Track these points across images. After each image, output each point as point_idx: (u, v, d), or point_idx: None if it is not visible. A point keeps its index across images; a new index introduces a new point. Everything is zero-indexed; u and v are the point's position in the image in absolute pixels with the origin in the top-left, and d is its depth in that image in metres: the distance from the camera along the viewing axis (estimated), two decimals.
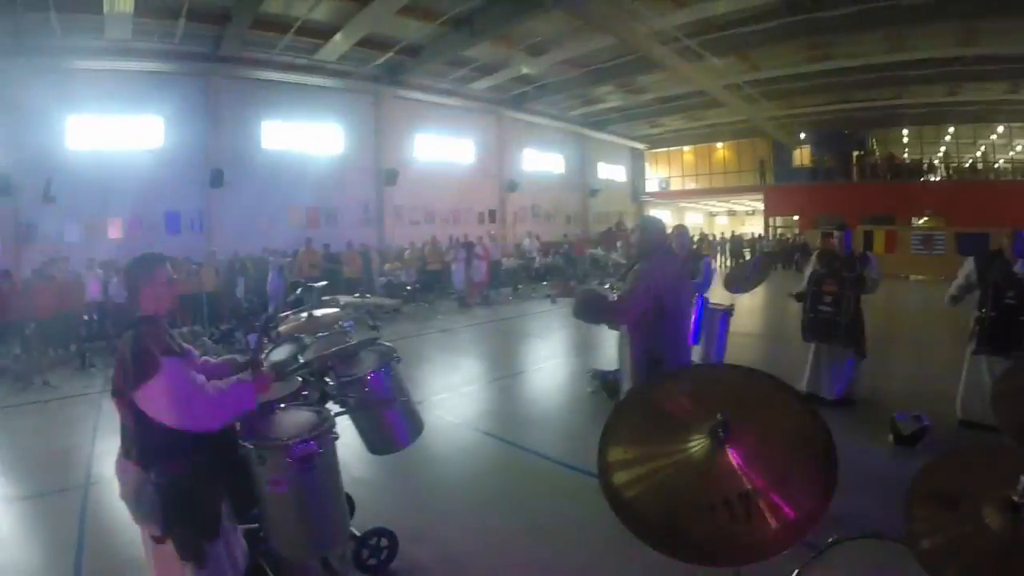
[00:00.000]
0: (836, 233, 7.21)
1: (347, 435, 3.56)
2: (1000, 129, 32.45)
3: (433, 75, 21.79)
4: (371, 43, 17.99)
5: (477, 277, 17.49)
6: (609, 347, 9.88)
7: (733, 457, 1.65)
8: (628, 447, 1.80)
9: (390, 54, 19.05)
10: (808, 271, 7.22)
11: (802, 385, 6.85)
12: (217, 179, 17.29)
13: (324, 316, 4.48)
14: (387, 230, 21.91)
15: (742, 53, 21.68)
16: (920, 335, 12.37)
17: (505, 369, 9.34)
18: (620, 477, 1.72)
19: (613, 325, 5.17)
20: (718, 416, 1.64)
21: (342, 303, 5.17)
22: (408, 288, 16.31)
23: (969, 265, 6.12)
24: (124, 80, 16.12)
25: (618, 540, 2.44)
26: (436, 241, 19.68)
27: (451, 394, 7.62)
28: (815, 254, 7.44)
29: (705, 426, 1.68)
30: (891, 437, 5.68)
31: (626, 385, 4.54)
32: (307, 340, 4.27)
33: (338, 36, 16.73)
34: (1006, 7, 16.86)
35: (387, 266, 17.74)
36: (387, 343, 4.19)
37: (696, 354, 6.27)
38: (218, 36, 16.09)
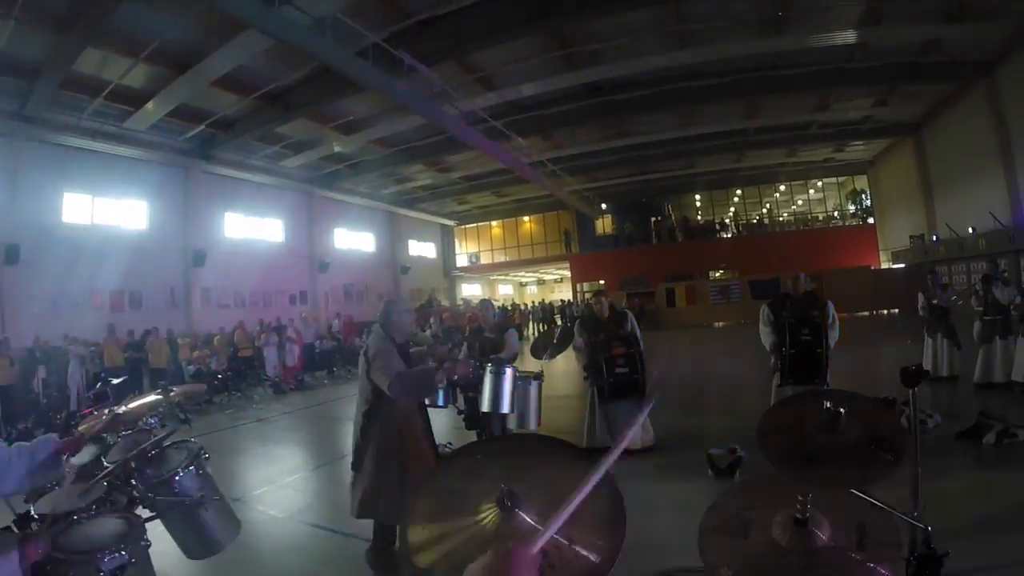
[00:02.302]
0: (594, 298, 7.72)
1: (162, 541, 3.30)
2: (782, 188, 37.27)
3: (245, 151, 21.41)
4: (183, 114, 17.50)
5: (290, 361, 16.95)
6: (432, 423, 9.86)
7: (524, 521, 1.74)
8: (428, 526, 1.83)
9: (202, 127, 18.61)
10: (581, 340, 7.50)
11: (595, 440, 7.24)
12: (13, 255, 15.63)
13: (127, 412, 4.14)
14: (195, 314, 20.65)
15: (545, 132, 23.08)
16: (728, 375, 13.41)
17: (327, 455, 8.99)
18: (425, 557, 1.74)
19: None
20: (502, 486, 1.73)
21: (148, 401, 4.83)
22: (219, 376, 15.37)
23: (765, 310, 6.74)
24: None
25: None
26: (245, 325, 18.79)
27: (273, 487, 7.22)
28: (577, 322, 7.85)
29: (494, 496, 1.75)
30: (710, 472, 6.12)
31: None
32: (110, 440, 3.94)
33: (150, 104, 16.06)
34: (780, 86, 19.65)
35: (195, 353, 16.63)
36: (194, 439, 3.97)
37: (512, 421, 6.43)
38: (26, 93, 14.84)
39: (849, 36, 16.67)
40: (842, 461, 2.44)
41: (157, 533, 3.13)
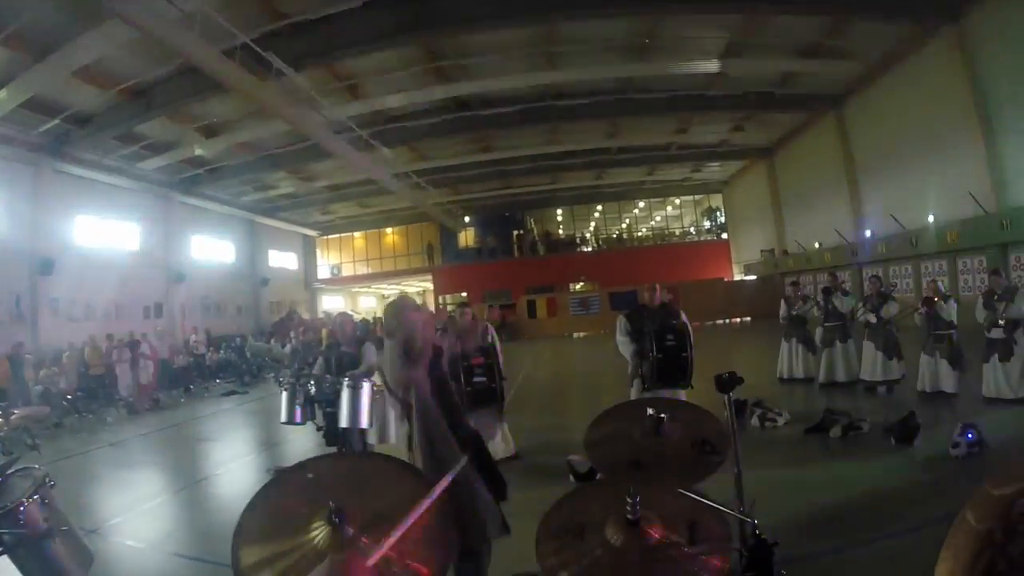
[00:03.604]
0: (459, 310, 7.90)
1: None
2: (641, 204, 39.33)
3: (101, 150, 19.98)
4: (38, 106, 16.13)
5: (145, 379, 15.94)
6: (290, 443, 9.66)
7: (353, 537, 1.78)
8: (262, 546, 1.83)
9: (57, 121, 17.19)
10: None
11: None
12: None
13: None
14: (42, 328, 18.88)
15: (411, 144, 23.29)
16: (587, 383, 13.89)
17: (186, 478, 8.53)
18: None
19: None
20: (330, 504, 1.76)
21: None
22: (69, 397, 14.29)
23: (622, 320, 6.96)
24: None
25: None
26: (97, 340, 17.41)
27: (130, 515, 6.75)
28: (439, 334, 7.99)
29: (323, 513, 1.78)
30: (571, 477, 6.32)
31: None
32: None
33: (3, 92, 14.63)
34: (642, 109, 20.87)
35: (43, 372, 15.29)
36: (39, 465, 3.71)
37: (372, 436, 6.39)
38: None
39: (712, 66, 17.86)
40: (669, 463, 2.60)
41: (8, 570, 2.92)
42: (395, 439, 6.08)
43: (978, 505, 1.28)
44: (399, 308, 3.74)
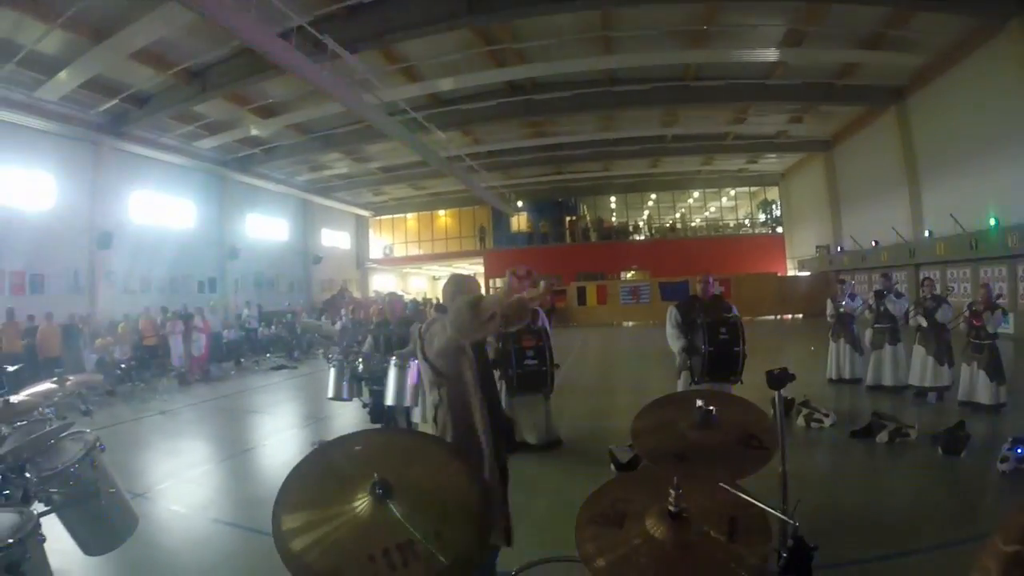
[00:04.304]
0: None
1: (62, 538, 3.17)
2: (696, 194, 38.53)
3: (158, 129, 20.55)
4: (97, 86, 16.61)
5: (197, 351, 16.29)
6: (336, 418, 9.82)
7: (394, 511, 1.78)
8: (303, 512, 1.85)
9: (116, 100, 17.62)
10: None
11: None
12: None
13: (21, 402, 3.93)
14: (100, 300, 19.52)
15: (465, 127, 23.19)
16: (634, 374, 13.77)
17: (231, 448, 8.73)
18: (299, 543, 1.76)
19: None
20: (375, 476, 1.76)
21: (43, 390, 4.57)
22: (122, 366, 14.67)
23: (673, 311, 6.82)
24: None
25: None
26: (150, 312, 17.79)
27: (176, 481, 6.93)
28: None
29: (368, 485, 1.78)
30: (612, 466, 6.26)
31: None
32: (4, 430, 3.74)
33: (64, 73, 15.14)
34: (699, 97, 20.38)
35: (99, 341, 15.77)
36: (90, 430, 3.81)
37: (417, 415, 6.45)
38: None
39: (770, 54, 17.42)
40: (714, 457, 2.55)
41: (55, 529, 3.00)
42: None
43: (1008, 526, 1.24)
44: (463, 279, 3.63)
